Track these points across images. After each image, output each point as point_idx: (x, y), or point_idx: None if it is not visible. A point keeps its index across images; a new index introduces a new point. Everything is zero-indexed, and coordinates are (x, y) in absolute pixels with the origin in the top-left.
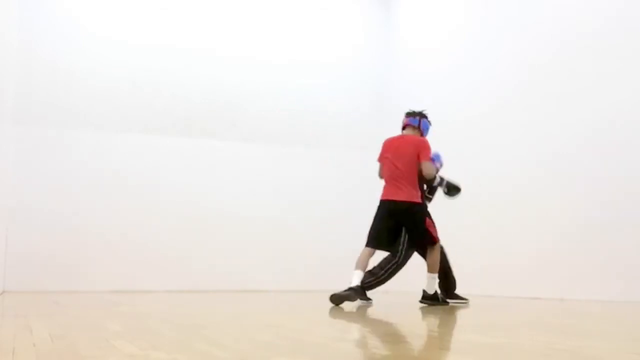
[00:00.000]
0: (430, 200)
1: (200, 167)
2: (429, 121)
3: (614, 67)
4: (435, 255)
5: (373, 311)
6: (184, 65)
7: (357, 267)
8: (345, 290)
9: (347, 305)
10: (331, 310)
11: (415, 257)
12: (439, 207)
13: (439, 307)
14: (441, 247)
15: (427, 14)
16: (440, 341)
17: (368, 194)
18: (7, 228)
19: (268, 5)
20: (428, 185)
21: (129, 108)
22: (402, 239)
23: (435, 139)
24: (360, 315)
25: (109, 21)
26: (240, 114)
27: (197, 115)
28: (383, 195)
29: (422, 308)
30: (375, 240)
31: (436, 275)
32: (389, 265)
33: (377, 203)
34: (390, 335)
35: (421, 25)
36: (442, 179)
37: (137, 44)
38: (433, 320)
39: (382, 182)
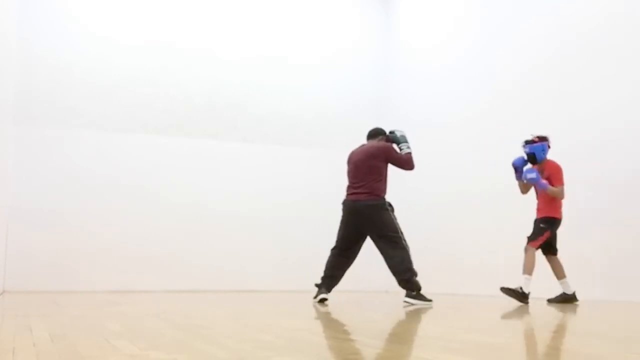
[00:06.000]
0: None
1: (200, 167)
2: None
3: (612, 67)
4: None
5: (373, 311)
6: (184, 65)
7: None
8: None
9: (348, 305)
10: (331, 310)
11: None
12: (436, 207)
13: (438, 307)
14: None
15: (426, 15)
16: (440, 341)
17: None
18: (7, 228)
19: (268, 6)
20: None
21: (128, 108)
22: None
23: (434, 138)
24: (361, 315)
25: (109, 21)
26: (240, 114)
27: (197, 115)
28: None
29: (422, 308)
30: None
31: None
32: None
33: None
34: (391, 335)
35: (420, 26)
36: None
37: (137, 43)
38: (433, 320)
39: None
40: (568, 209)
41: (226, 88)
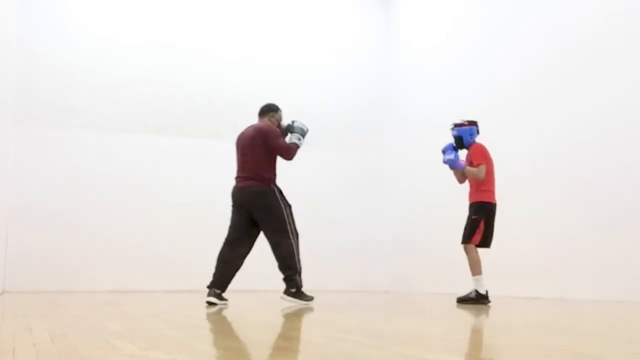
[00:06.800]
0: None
1: (200, 167)
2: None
3: (613, 66)
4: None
5: (373, 311)
6: (184, 65)
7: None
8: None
9: (348, 305)
10: (331, 310)
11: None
12: (436, 207)
13: (439, 307)
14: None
15: (426, 15)
16: (441, 341)
17: (369, 193)
18: (7, 228)
19: (268, 6)
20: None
21: (128, 108)
22: None
23: (434, 138)
24: (361, 315)
25: (109, 21)
26: (240, 114)
27: (197, 115)
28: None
29: (422, 308)
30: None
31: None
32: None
33: (377, 201)
34: (391, 335)
35: (420, 26)
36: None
37: (137, 43)
38: (434, 321)
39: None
40: (567, 209)
41: (226, 88)
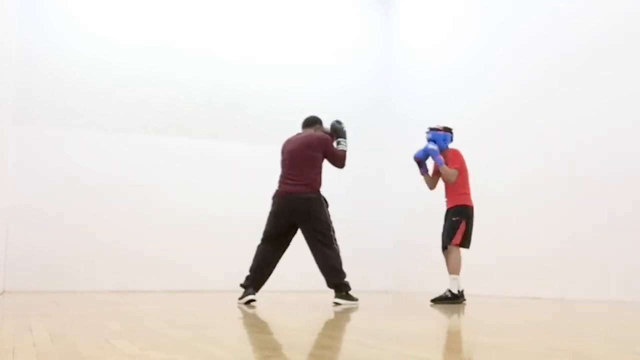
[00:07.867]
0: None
1: (200, 167)
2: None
3: (613, 66)
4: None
5: (374, 311)
6: (184, 65)
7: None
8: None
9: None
10: (331, 310)
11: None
12: (436, 207)
13: (446, 307)
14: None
15: (426, 15)
16: (441, 341)
17: (368, 193)
18: (7, 228)
19: (268, 6)
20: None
21: (128, 108)
22: None
23: None
24: (362, 315)
25: (109, 21)
26: (240, 114)
27: (197, 115)
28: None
29: (421, 308)
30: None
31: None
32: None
33: (377, 201)
34: (391, 335)
35: (420, 26)
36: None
37: (137, 43)
38: (434, 321)
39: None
40: (567, 209)
41: (226, 88)
